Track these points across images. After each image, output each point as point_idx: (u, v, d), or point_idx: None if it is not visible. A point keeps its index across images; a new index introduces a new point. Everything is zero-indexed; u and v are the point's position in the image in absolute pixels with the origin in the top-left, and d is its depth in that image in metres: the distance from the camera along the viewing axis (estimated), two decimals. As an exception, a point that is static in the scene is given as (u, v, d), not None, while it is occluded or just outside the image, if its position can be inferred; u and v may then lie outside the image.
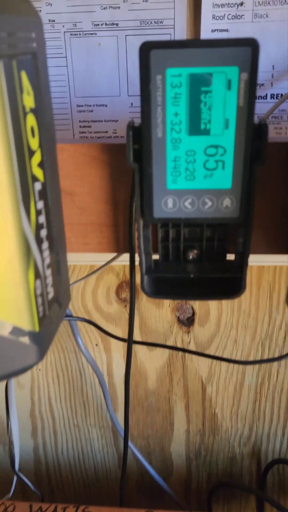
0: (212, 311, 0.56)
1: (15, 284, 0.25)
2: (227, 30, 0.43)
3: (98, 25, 0.44)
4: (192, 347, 0.58)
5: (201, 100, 0.30)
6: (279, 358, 0.43)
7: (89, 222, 0.39)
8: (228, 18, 0.43)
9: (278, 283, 0.53)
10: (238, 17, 0.43)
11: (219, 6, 0.42)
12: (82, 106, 0.48)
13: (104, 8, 0.44)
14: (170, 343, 0.58)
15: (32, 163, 0.26)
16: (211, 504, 0.64)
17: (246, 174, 0.32)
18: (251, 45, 0.29)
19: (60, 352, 0.61)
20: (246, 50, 0.29)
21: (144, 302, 0.56)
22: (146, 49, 0.29)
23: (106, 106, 0.47)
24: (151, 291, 0.38)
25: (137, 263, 0.38)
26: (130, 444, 0.60)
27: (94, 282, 0.56)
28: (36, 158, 0.26)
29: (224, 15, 0.43)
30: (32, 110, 0.25)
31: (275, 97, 0.45)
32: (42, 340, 0.27)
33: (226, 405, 0.62)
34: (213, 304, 0.56)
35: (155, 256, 0.39)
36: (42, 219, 0.28)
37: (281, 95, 0.45)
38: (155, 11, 0.43)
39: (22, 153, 0.24)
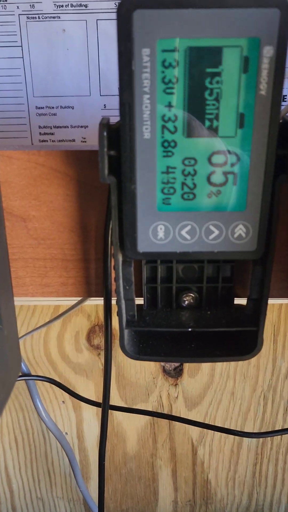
0: (204, 358, 0.46)
1: None
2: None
3: (62, 6, 0.35)
4: (180, 402, 0.48)
5: (205, 87, 0.21)
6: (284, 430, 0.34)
7: (49, 257, 0.29)
8: None
9: (284, 325, 0.44)
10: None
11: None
12: (43, 108, 0.38)
13: (70, -14, 0.35)
14: (153, 398, 0.48)
15: None
16: None
17: (267, 193, 0.23)
18: (279, 6, 0.20)
19: (19, 412, 0.50)
20: (273, 13, 0.20)
21: (122, 349, 0.46)
22: (127, 10, 0.20)
23: (72, 108, 0.38)
24: (133, 351, 0.28)
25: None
26: (105, 523, 0.49)
27: (60, 326, 0.46)
28: None
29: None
30: None
31: (282, 99, 0.37)
32: None
33: (221, 469, 0.52)
34: (205, 350, 0.46)
35: (139, 300, 0.29)
36: None
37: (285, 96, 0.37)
38: (134, -9, 0.34)
39: None
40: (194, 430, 0.50)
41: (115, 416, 0.50)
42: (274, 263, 0.28)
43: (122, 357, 0.47)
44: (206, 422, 0.49)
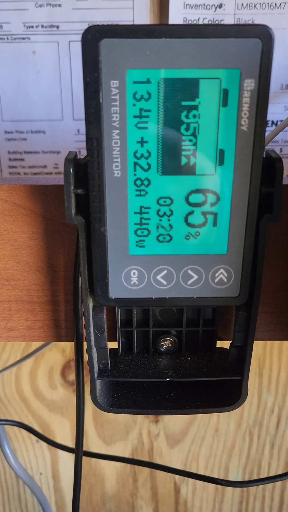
0: (186, 392, 0.44)
1: None
2: (202, 38, 0.33)
3: (32, 27, 0.33)
4: (161, 440, 0.45)
5: (181, 121, 0.19)
6: (272, 478, 0.31)
7: (14, 299, 0.27)
8: (203, 22, 0.33)
9: (270, 358, 0.42)
10: (217, 21, 0.33)
11: (191, 7, 0.32)
12: (12, 132, 0.36)
13: (40, 6, 0.33)
14: (133, 436, 0.45)
15: None
16: None
17: (251, 233, 0.21)
18: (261, 36, 0.18)
19: (-11, 452, 0.46)
20: (254, 44, 0.18)
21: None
22: (93, 38, 0.18)
23: (44, 133, 0.36)
24: (106, 403, 0.25)
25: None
26: None
27: (33, 361, 0.43)
28: None
29: (199, 19, 0.33)
30: None
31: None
32: None
33: (205, 508, 0.49)
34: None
35: (113, 345, 0.27)
36: None
37: (272, 122, 0.36)
38: (108, 11, 0.33)
39: None
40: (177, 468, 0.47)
41: (93, 455, 0.47)
42: (261, 305, 0.26)
43: (99, 393, 0.44)
44: (189, 460, 0.47)
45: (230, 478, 0.48)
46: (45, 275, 0.26)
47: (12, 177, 0.36)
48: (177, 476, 0.48)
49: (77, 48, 0.34)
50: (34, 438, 0.46)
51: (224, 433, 0.46)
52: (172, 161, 0.20)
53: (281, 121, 0.35)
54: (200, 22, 0.33)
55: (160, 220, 0.21)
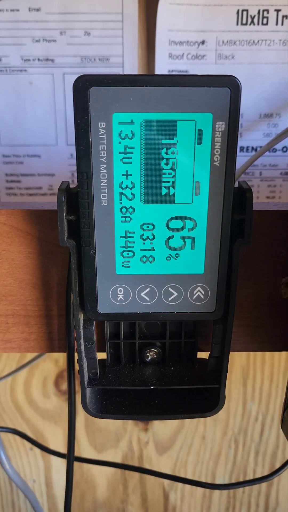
0: (174, 401, 0.46)
1: None
2: (186, 71, 0.36)
3: (29, 60, 0.36)
4: (151, 447, 0.47)
5: (161, 157, 0.22)
6: (257, 480, 0.33)
7: (11, 313, 0.29)
8: (187, 58, 0.36)
9: (253, 368, 0.45)
10: (199, 57, 0.36)
11: (176, 44, 0.35)
12: (10, 156, 0.38)
13: (37, 41, 0.35)
14: (124, 443, 0.47)
15: None
16: None
17: (224, 255, 0.24)
18: (230, 86, 0.21)
19: (-16, 460, 0.48)
20: (223, 92, 0.21)
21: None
22: (83, 86, 0.20)
23: (39, 157, 0.38)
24: (95, 409, 0.28)
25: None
26: None
27: (27, 371, 0.45)
28: None
29: (183, 54, 0.35)
30: None
31: (245, 150, 0.38)
32: None
33: (193, 514, 0.51)
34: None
35: (102, 355, 0.29)
36: None
37: (252, 147, 0.38)
38: (100, 47, 0.36)
39: None
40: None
41: (85, 463, 0.48)
42: (239, 319, 0.29)
43: (91, 402, 0.46)
44: (177, 467, 0.49)
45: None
46: (39, 291, 0.28)
47: (10, 202, 0.39)
48: (166, 483, 0.50)
49: (70, 79, 0.36)
50: (28, 446, 0.48)
51: (210, 440, 0.48)
52: (153, 191, 0.23)
53: (260, 147, 0.38)
54: (184, 58, 0.36)
55: (144, 243, 0.24)
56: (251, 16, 0.35)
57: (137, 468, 0.38)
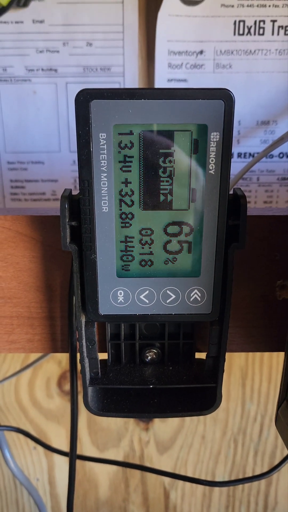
0: (175, 401, 0.47)
1: None
2: (185, 80, 0.37)
3: (33, 70, 0.37)
4: (152, 447, 0.48)
5: (159, 165, 0.23)
6: (257, 477, 0.34)
7: (16, 315, 0.30)
8: (186, 67, 0.37)
9: (252, 369, 0.45)
10: (198, 66, 0.37)
11: (175, 54, 0.36)
12: (14, 163, 0.39)
13: (40, 52, 0.37)
14: (125, 443, 0.48)
15: None
16: None
17: (220, 259, 0.25)
18: (224, 98, 0.22)
19: (-11, 459, 0.49)
20: (218, 104, 0.22)
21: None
22: (85, 100, 0.22)
23: (43, 163, 0.39)
24: (97, 407, 0.29)
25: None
26: None
27: (31, 373, 0.46)
28: None
29: (182, 64, 0.37)
30: None
31: (242, 156, 0.39)
32: None
33: (193, 513, 0.52)
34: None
35: (103, 356, 0.30)
36: None
37: (249, 153, 0.39)
38: (101, 57, 0.37)
39: None
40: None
41: (87, 462, 0.49)
42: (235, 320, 0.30)
43: (93, 402, 0.47)
44: (178, 466, 0.50)
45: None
46: (43, 294, 0.29)
47: (15, 208, 0.40)
48: (166, 482, 0.50)
49: (73, 88, 0.38)
50: (31, 445, 0.49)
51: (210, 440, 0.49)
52: (152, 198, 0.24)
53: (258, 153, 0.39)
54: (183, 67, 0.37)
55: (143, 247, 0.25)
56: (247, 26, 0.36)
57: (138, 466, 0.39)
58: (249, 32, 0.36)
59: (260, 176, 0.40)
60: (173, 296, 0.25)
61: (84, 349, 0.27)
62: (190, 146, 0.23)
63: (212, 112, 0.22)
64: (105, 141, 0.22)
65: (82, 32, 0.36)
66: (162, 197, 0.24)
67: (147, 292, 0.25)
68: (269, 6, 0.35)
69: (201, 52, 0.37)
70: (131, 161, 0.23)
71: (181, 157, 0.23)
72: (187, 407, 0.29)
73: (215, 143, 0.22)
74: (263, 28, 0.36)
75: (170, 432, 0.48)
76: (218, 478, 0.50)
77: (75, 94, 0.39)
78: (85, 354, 0.28)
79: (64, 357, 0.45)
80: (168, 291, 0.25)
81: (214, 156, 0.23)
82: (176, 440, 0.48)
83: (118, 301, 0.26)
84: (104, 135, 0.22)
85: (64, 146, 0.39)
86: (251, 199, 0.40)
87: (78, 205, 0.24)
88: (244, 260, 0.29)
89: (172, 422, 0.48)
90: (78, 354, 0.28)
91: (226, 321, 0.26)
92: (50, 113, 0.38)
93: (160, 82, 0.37)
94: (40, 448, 0.49)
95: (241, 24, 0.36)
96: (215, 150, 0.22)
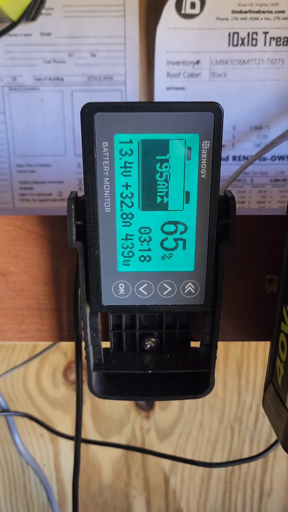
0: (174, 391, 0.50)
1: None
2: (183, 88, 0.40)
3: (41, 79, 0.40)
4: (152, 434, 0.51)
5: (156, 170, 0.25)
6: (252, 458, 0.37)
7: (26, 306, 0.33)
8: (184, 76, 0.39)
9: (247, 360, 0.48)
10: (195, 75, 0.39)
11: (173, 64, 0.39)
12: (23, 166, 0.42)
13: (48, 62, 0.39)
14: (127, 430, 0.51)
15: None
16: None
17: (211, 255, 0.27)
18: (213, 111, 0.24)
19: (-2, 445, 0.52)
20: (208, 116, 0.24)
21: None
22: (89, 112, 0.24)
23: (50, 166, 0.42)
24: (100, 391, 0.31)
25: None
26: None
27: (38, 363, 0.49)
28: None
29: (180, 73, 0.39)
30: None
31: (237, 158, 0.42)
32: None
33: (192, 497, 0.55)
34: (175, 384, 0.50)
35: (106, 344, 0.33)
36: None
37: (243, 156, 0.42)
38: (104, 67, 0.39)
39: None
40: (166, 461, 0.53)
41: (91, 449, 0.52)
42: (228, 312, 0.32)
43: (97, 391, 0.50)
44: (177, 453, 0.52)
45: (214, 470, 0.53)
46: (51, 287, 0.32)
47: (25, 208, 0.42)
48: (166, 468, 0.53)
49: (78, 96, 0.40)
50: (38, 432, 0.51)
51: (208, 428, 0.51)
52: (150, 200, 0.26)
53: (251, 156, 0.42)
54: (181, 76, 0.39)
55: (142, 244, 0.27)
56: (241, 38, 0.38)
57: (139, 449, 0.42)
58: (242, 43, 0.39)
59: (254, 178, 0.43)
60: (169, 289, 0.28)
61: (89, 337, 0.30)
62: (184, 153, 0.25)
63: (203, 123, 0.24)
64: (107, 149, 0.25)
65: (87, 44, 0.39)
66: (159, 199, 0.26)
67: (146, 285, 0.28)
68: (261, 19, 0.38)
69: (198, 62, 0.39)
70: (131, 167, 0.25)
71: (176, 163, 0.25)
72: (183, 391, 0.31)
73: (206, 150, 0.25)
74: (256, 39, 0.38)
75: (170, 420, 0.51)
76: (215, 465, 0.53)
77: (80, 102, 0.42)
78: (89, 342, 0.30)
79: (69, 349, 0.48)
80: (164, 284, 0.28)
81: (205, 162, 0.25)
82: (176, 428, 0.51)
83: (119, 293, 0.28)
84: (106, 144, 0.25)
85: (70, 150, 0.41)
86: (245, 199, 0.43)
87: (83, 206, 0.26)
88: (236, 256, 0.31)
89: (172, 411, 0.51)
90: (83, 342, 0.31)
91: (218, 311, 0.29)
92: (56, 119, 0.41)
93: (160, 90, 0.39)
94: (46, 435, 0.52)
95: (235, 35, 0.38)
96: (206, 157, 0.25)
